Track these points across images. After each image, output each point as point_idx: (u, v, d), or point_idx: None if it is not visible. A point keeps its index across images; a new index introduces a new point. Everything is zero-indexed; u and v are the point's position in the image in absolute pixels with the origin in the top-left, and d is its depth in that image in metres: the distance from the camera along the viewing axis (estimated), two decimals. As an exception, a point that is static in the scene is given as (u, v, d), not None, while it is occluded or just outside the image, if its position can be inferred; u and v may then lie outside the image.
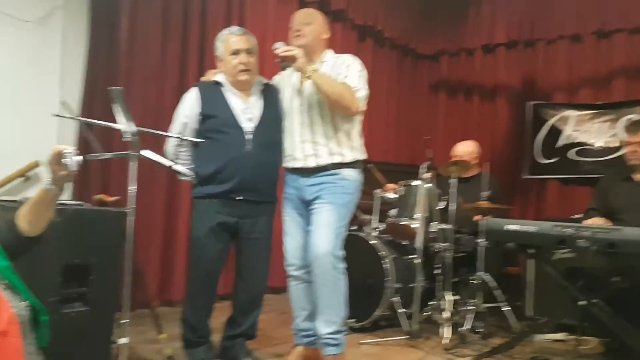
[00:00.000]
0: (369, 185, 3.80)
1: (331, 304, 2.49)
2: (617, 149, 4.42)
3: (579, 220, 3.24)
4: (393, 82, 5.41)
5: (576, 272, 3.02)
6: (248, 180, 2.50)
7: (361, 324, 3.42)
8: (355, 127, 2.63)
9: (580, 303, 2.80)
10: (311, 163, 2.55)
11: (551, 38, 4.93)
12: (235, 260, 2.67)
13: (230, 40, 2.55)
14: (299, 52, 2.43)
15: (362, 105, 2.55)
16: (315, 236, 2.49)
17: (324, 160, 2.54)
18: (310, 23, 2.58)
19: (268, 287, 4.23)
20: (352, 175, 2.60)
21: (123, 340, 2.02)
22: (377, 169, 3.90)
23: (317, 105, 2.54)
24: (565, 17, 4.80)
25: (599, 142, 4.65)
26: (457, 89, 5.56)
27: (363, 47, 5.07)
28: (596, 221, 3.13)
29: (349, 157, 2.57)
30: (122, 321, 2.02)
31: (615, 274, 2.84)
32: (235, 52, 2.53)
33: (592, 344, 3.30)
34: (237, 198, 2.50)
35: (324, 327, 2.49)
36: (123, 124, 2.06)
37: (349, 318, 3.37)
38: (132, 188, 2.09)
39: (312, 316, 2.63)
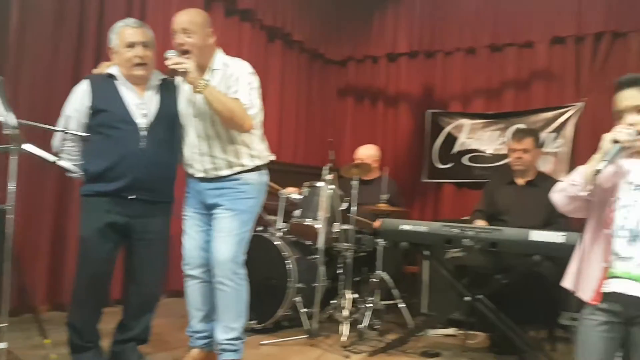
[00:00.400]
0: (282, 185, 3.83)
1: (231, 310, 2.49)
2: (505, 155, 4.74)
3: (467, 221, 3.46)
4: (303, 85, 5.48)
5: (464, 270, 3.22)
6: (142, 178, 2.41)
7: (263, 325, 3.42)
8: (254, 135, 2.61)
9: (466, 299, 2.97)
10: (211, 175, 2.54)
11: (448, 50, 5.21)
12: (126, 262, 2.58)
13: (126, 33, 2.46)
14: (190, 66, 2.36)
15: (256, 123, 2.54)
16: (216, 243, 2.47)
17: (224, 172, 2.53)
18: (193, 33, 2.45)
19: (168, 290, 4.17)
20: (254, 179, 2.59)
21: (1, 345, 1.91)
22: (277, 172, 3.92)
23: (210, 119, 2.49)
24: (461, 30, 5.10)
25: (489, 149, 4.98)
26: (364, 94, 5.74)
27: (272, 48, 5.09)
28: (480, 223, 3.34)
29: (250, 165, 2.57)
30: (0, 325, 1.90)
31: (497, 271, 3.06)
32: (131, 45, 2.44)
33: (479, 338, 3.53)
34: (129, 197, 2.42)
35: (223, 333, 2.48)
36: (3, 116, 1.93)
37: (250, 319, 3.39)
38: (12, 185, 1.96)
39: (208, 317, 2.60)
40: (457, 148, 5.14)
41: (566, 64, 4.69)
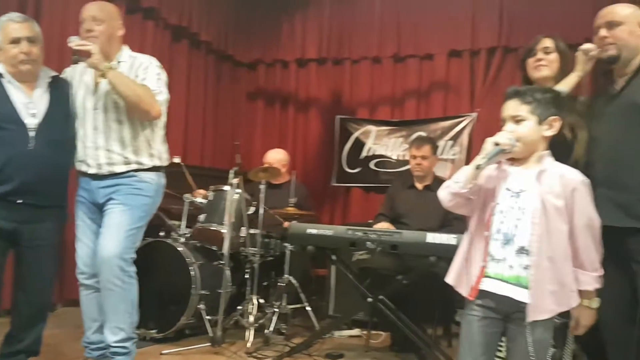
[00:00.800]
0: (179, 189, 3.73)
1: (119, 309, 2.39)
2: (407, 162, 4.97)
3: (371, 225, 3.57)
4: (211, 86, 5.38)
5: (367, 272, 3.31)
6: (30, 181, 2.27)
7: (164, 333, 3.31)
8: (157, 133, 2.55)
9: (368, 300, 3.07)
10: (104, 171, 2.43)
11: (356, 58, 5.35)
12: (14, 270, 2.41)
13: (10, 28, 2.31)
14: (94, 48, 2.29)
15: (163, 110, 2.48)
16: (103, 238, 2.37)
17: (119, 168, 2.43)
18: (102, 21, 2.42)
19: (64, 299, 3.92)
20: (152, 179, 2.52)
21: None
22: (188, 172, 3.84)
23: (113, 108, 2.41)
24: (367, 40, 5.26)
25: (394, 155, 5.18)
26: (274, 98, 5.75)
27: (178, 48, 4.96)
28: (383, 225, 3.46)
29: (148, 164, 2.49)
30: None
31: (398, 272, 3.19)
32: (16, 41, 2.29)
33: (381, 337, 3.65)
34: (17, 201, 2.26)
35: (112, 335, 2.39)
36: None
37: (151, 328, 3.28)
38: None
39: (103, 328, 2.49)
40: (364, 153, 5.29)
41: (462, 76, 4.98)
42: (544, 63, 2.37)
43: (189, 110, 5.06)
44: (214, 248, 3.63)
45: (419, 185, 3.68)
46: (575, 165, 1.95)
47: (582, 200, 1.74)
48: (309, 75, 5.58)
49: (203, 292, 3.37)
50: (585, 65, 2.26)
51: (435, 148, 3.76)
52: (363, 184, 5.31)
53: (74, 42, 2.30)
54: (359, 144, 5.32)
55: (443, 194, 1.84)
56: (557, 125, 1.77)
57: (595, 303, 1.80)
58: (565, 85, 2.25)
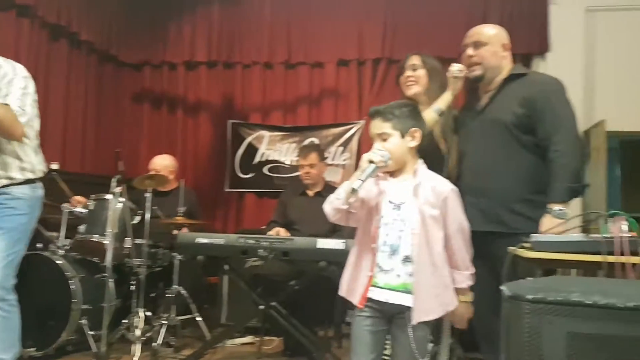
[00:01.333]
0: (57, 198, 3.49)
1: (1, 340, 2.25)
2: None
3: (264, 232, 3.58)
4: (92, 88, 5.06)
5: (260, 279, 3.32)
6: None
7: (44, 351, 3.09)
8: (28, 145, 2.38)
9: (260, 307, 3.07)
10: None
11: (247, 63, 5.32)
12: None
13: None
14: None
15: (29, 132, 2.34)
16: None
17: None
18: None
19: None
20: (26, 193, 2.36)
21: None
22: (61, 179, 3.58)
23: None
24: (259, 46, 5.25)
25: (287, 160, 5.23)
26: (161, 101, 5.54)
27: (56, 48, 4.62)
28: (279, 231, 3.49)
29: (20, 178, 2.34)
30: None
31: (290, 278, 3.23)
32: None
33: (274, 343, 3.67)
34: None
35: None
36: None
37: (29, 347, 3.04)
38: None
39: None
40: (257, 158, 5.28)
41: (350, 84, 5.15)
42: (412, 80, 2.54)
43: (69, 113, 4.73)
44: (96, 260, 3.43)
45: (310, 192, 3.75)
46: (448, 175, 2.12)
47: (453, 207, 1.90)
48: (198, 79, 5.45)
49: (85, 306, 3.19)
50: (456, 85, 2.46)
51: (322, 155, 3.86)
52: (257, 190, 5.30)
53: None
54: (252, 149, 5.30)
55: (327, 209, 1.92)
56: (418, 135, 1.92)
57: (470, 297, 1.98)
58: (441, 103, 2.43)
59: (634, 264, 1.57)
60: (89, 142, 5.01)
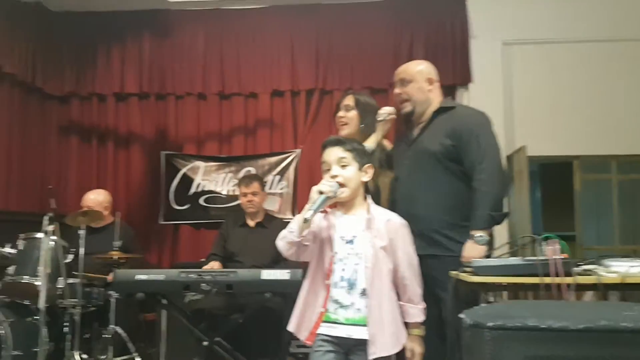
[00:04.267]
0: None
1: None
2: (237, 197, 5.02)
3: (203, 264, 3.53)
4: (15, 121, 4.82)
5: (201, 314, 3.26)
6: None
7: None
8: None
9: (204, 344, 3.02)
10: None
11: (180, 94, 5.27)
12: None
13: None
14: None
15: None
16: None
17: None
18: None
19: None
20: None
21: None
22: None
23: None
24: (192, 77, 5.22)
25: (224, 191, 5.19)
26: (90, 134, 5.36)
27: (-24, 80, 4.40)
28: (214, 265, 3.46)
29: None
30: None
31: (232, 311, 3.20)
32: None
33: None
34: None
35: None
36: None
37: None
38: None
39: None
40: (193, 189, 5.21)
41: (285, 114, 5.21)
42: (344, 121, 2.69)
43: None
44: (27, 302, 3.25)
45: (251, 223, 3.76)
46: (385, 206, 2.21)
47: (404, 241, 1.96)
48: (129, 110, 5.32)
49: (15, 352, 3.00)
50: (384, 127, 2.62)
51: (263, 184, 3.89)
52: (193, 221, 5.20)
53: None
54: (187, 180, 5.22)
55: (281, 244, 1.93)
56: (371, 172, 1.99)
57: (422, 331, 2.03)
58: (371, 143, 2.56)
59: (568, 284, 1.70)
60: (14, 178, 4.75)
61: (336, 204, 1.97)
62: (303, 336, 1.88)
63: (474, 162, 2.39)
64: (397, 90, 2.60)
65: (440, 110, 2.55)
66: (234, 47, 5.25)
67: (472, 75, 4.93)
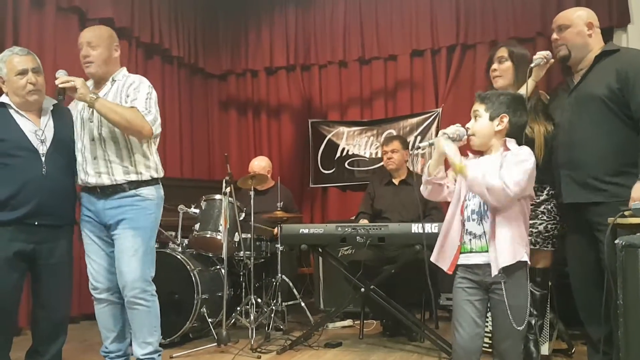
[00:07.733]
0: (172, 200, 3.87)
1: (145, 326, 2.55)
2: (380, 159, 5.24)
3: (353, 222, 3.81)
4: (184, 99, 5.52)
5: (357, 265, 3.55)
6: (45, 203, 2.43)
7: (170, 339, 3.45)
8: (152, 147, 2.66)
9: (361, 290, 3.30)
10: (105, 180, 2.52)
11: (322, 63, 5.60)
12: (32, 288, 2.55)
13: (14, 61, 2.46)
14: (78, 82, 2.41)
15: (156, 128, 2.56)
16: (122, 264, 2.51)
17: (119, 178, 2.52)
18: (97, 46, 2.54)
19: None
20: (153, 194, 2.62)
21: None
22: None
23: (107, 129, 2.52)
24: (333, 45, 5.51)
25: (367, 154, 5.44)
26: (246, 107, 5.93)
27: (150, 65, 5.09)
28: (363, 222, 3.71)
29: (146, 175, 2.58)
30: None
31: (383, 263, 3.45)
32: (22, 72, 2.45)
33: (372, 326, 3.92)
34: (34, 223, 2.41)
35: (140, 349, 2.54)
36: None
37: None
38: None
39: (120, 337, 2.66)
40: (338, 154, 5.54)
41: (425, 74, 5.27)
42: (497, 74, 2.67)
43: (165, 124, 5.17)
44: (210, 254, 3.81)
45: (396, 181, 3.94)
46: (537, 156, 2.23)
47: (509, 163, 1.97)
48: (278, 83, 5.79)
49: (204, 296, 3.54)
50: (538, 73, 2.58)
51: (404, 142, 4.01)
52: (339, 184, 5.55)
53: (59, 80, 2.42)
54: (332, 145, 5.56)
55: (422, 187, 2.12)
56: (505, 121, 2.03)
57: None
58: (523, 90, 2.55)
59: None
60: (185, 150, 5.46)
61: (474, 152, 2.08)
62: (445, 266, 2.06)
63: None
64: (554, 36, 2.56)
65: (603, 55, 2.46)
66: (372, 11, 5.39)
67: (631, 16, 4.54)
